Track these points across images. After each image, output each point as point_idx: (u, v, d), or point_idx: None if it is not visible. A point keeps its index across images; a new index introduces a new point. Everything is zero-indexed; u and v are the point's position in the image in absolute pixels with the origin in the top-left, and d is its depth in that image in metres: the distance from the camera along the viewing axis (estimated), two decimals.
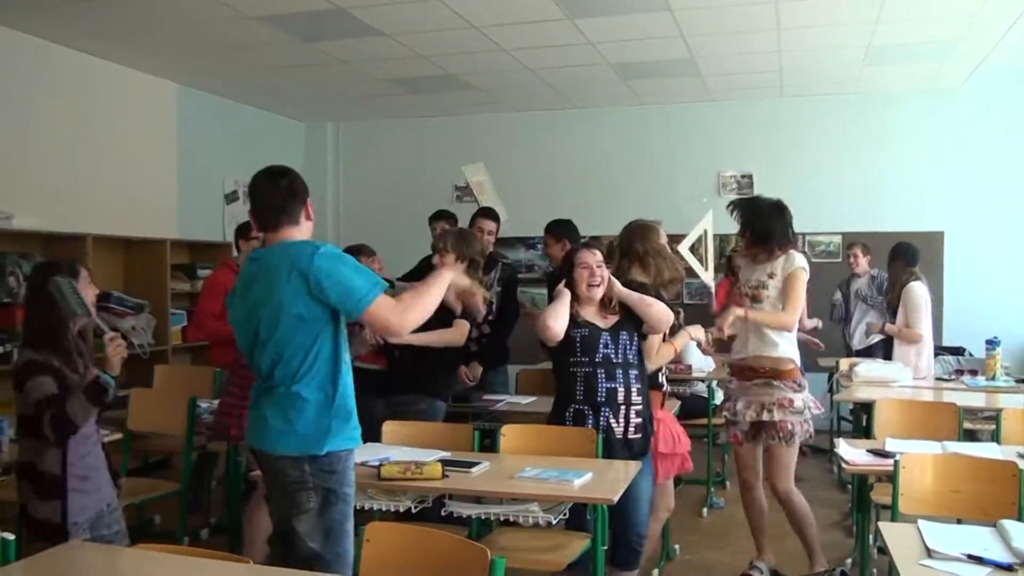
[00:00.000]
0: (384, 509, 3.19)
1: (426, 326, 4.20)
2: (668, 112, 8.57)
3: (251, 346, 2.78)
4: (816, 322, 6.73)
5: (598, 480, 3.13)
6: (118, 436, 4.37)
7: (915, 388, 5.32)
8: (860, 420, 5.21)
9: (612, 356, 3.58)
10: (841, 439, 3.94)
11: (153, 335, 6.69)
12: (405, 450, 3.49)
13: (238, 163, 8.31)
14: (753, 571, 4.29)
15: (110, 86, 6.90)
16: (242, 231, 5.67)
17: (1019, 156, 7.81)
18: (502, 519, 3.12)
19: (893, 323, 6.04)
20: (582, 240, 5.10)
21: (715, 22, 5.99)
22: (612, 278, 3.65)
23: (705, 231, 4.45)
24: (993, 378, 5.53)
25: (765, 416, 4.05)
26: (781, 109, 8.29)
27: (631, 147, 8.67)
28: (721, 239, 8.12)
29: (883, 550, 2.91)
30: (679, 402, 5.04)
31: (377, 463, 3.16)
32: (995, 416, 4.35)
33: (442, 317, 4.22)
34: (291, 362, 2.68)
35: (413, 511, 3.20)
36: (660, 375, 4.05)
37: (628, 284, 3.72)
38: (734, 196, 8.17)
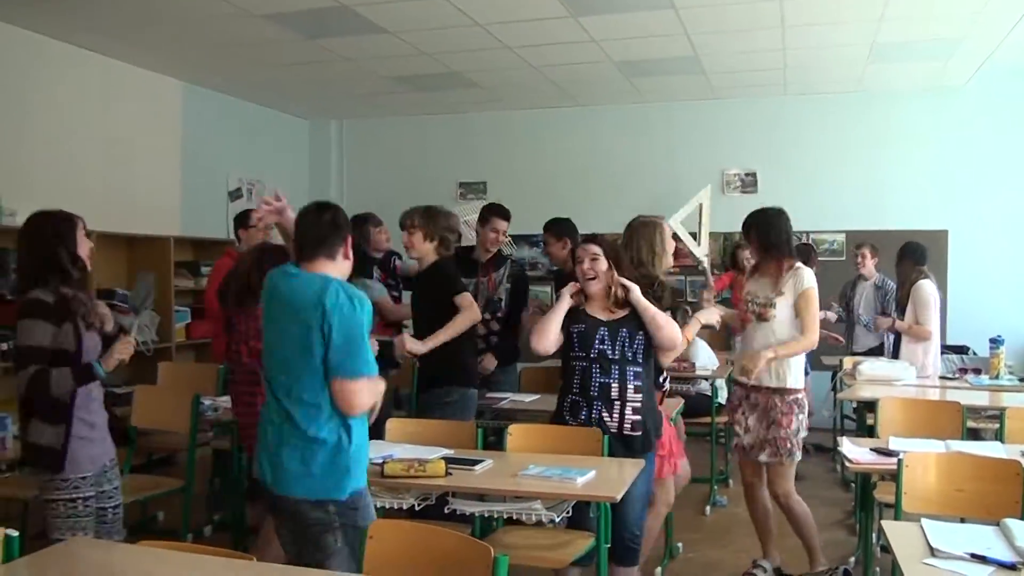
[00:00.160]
0: (387, 507, 3.19)
1: (433, 322, 4.25)
2: (672, 110, 8.57)
3: (266, 363, 2.80)
4: (828, 314, 6.68)
5: (601, 478, 3.13)
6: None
7: (919, 387, 5.31)
8: (863, 419, 5.19)
9: (608, 352, 3.58)
10: (844, 438, 3.93)
11: (157, 332, 6.69)
12: (408, 448, 3.49)
13: (242, 161, 8.33)
14: (756, 570, 4.29)
15: (115, 83, 6.91)
16: (241, 220, 5.68)
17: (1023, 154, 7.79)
18: (505, 517, 3.13)
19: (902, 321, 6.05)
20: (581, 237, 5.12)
21: (719, 20, 5.98)
22: (631, 284, 3.60)
23: (700, 204, 4.46)
24: (997, 377, 5.53)
25: (769, 433, 4.08)
26: (785, 107, 8.28)
27: (634, 145, 8.67)
28: (724, 236, 8.14)
29: (886, 549, 2.90)
30: (683, 400, 5.04)
31: (380, 460, 3.16)
32: (999, 415, 4.35)
33: (445, 314, 4.25)
34: (303, 396, 2.68)
35: (416, 509, 3.20)
36: (660, 377, 4.03)
37: (636, 280, 3.72)
38: (738, 194, 8.28)
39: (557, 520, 3.06)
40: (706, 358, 5.94)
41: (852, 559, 4.48)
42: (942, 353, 6.31)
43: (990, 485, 3.06)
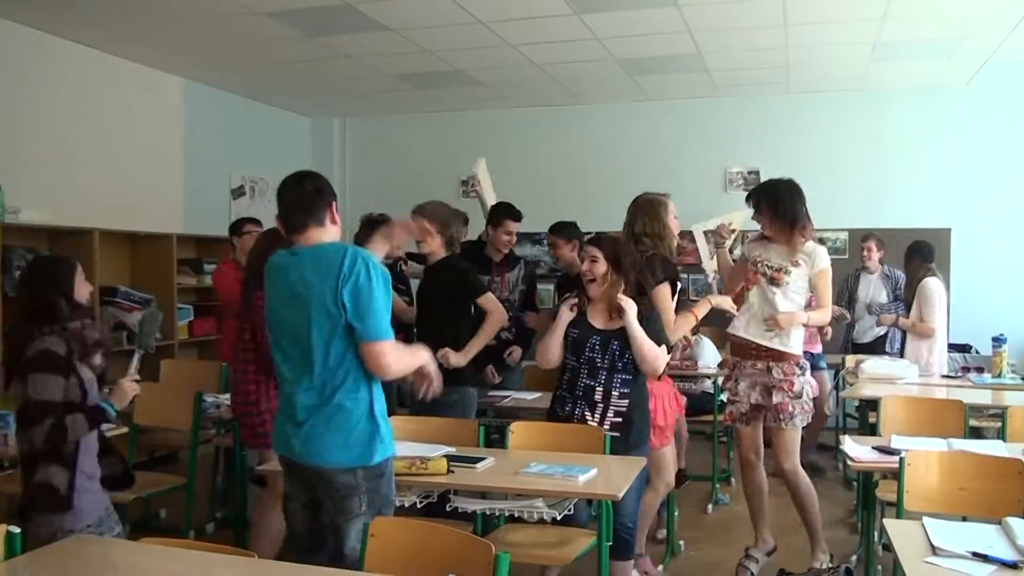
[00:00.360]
0: None
1: (442, 318, 4.25)
2: (674, 108, 8.56)
3: (283, 346, 2.79)
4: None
5: (603, 476, 3.13)
6: (124, 430, 4.39)
7: (921, 385, 5.31)
8: (866, 417, 5.19)
9: (597, 360, 3.64)
10: (847, 436, 3.93)
11: (160, 329, 6.70)
12: (410, 445, 3.49)
13: (244, 158, 8.34)
14: (748, 562, 4.28)
15: (118, 81, 6.92)
16: (234, 228, 5.72)
17: None
18: (507, 515, 3.13)
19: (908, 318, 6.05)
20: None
21: (722, 18, 5.98)
22: (627, 306, 3.57)
23: (731, 223, 4.46)
24: (999, 375, 5.52)
25: (765, 399, 4.11)
26: (788, 105, 8.27)
27: (637, 143, 8.66)
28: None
29: (888, 547, 2.90)
30: (686, 398, 5.03)
31: None
32: (1001, 413, 4.34)
33: (458, 311, 4.26)
34: (327, 364, 2.69)
35: (418, 506, 3.20)
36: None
37: (641, 257, 3.78)
38: (740, 192, 8.21)
39: (559, 518, 3.06)
40: (710, 356, 5.94)
41: (854, 557, 4.48)
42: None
43: (992, 484, 3.06)
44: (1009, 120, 7.77)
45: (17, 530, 2.32)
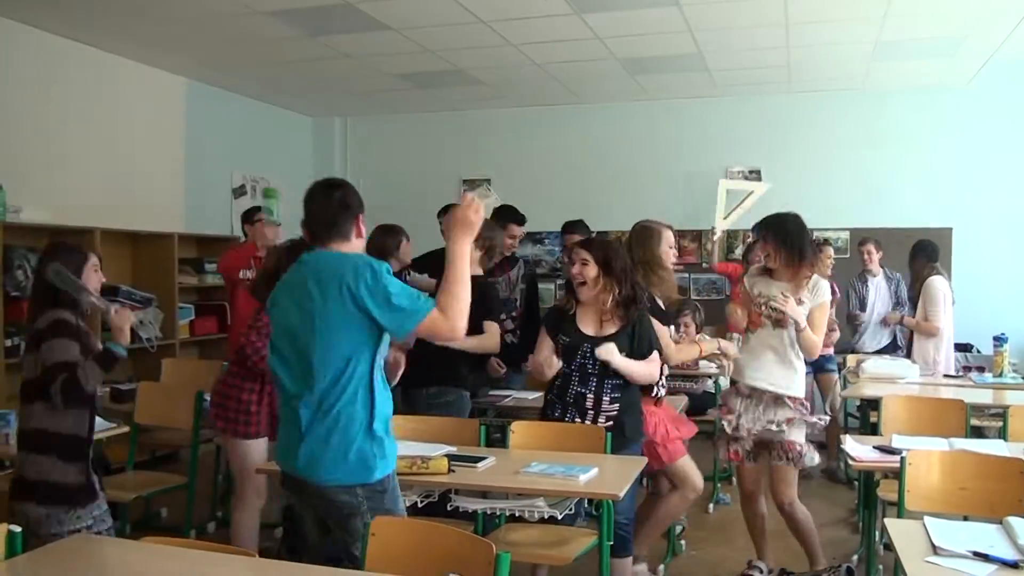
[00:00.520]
0: None
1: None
2: (676, 107, 8.54)
3: (285, 354, 2.72)
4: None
5: (604, 475, 3.14)
6: (124, 430, 4.39)
7: (922, 385, 5.31)
8: (867, 416, 5.19)
9: (588, 366, 3.64)
10: (848, 435, 3.93)
11: (161, 329, 6.72)
12: (411, 444, 3.49)
13: (246, 158, 8.34)
14: (753, 571, 4.27)
15: (119, 81, 6.92)
16: (247, 216, 5.73)
17: None
18: (508, 514, 3.13)
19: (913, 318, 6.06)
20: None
21: (723, 17, 5.97)
22: (608, 351, 3.55)
23: (751, 192, 4.47)
24: (1001, 375, 5.52)
25: (774, 433, 3.93)
26: (789, 104, 8.25)
27: (639, 142, 8.65)
28: (728, 234, 8.12)
29: (889, 547, 2.90)
30: (686, 398, 5.04)
31: None
32: (1002, 413, 4.34)
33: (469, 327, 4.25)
34: (327, 378, 2.61)
35: (419, 506, 3.20)
36: (658, 386, 3.95)
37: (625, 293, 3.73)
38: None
39: (560, 517, 3.06)
40: None
41: (855, 557, 4.48)
42: None
43: (993, 483, 3.06)
44: (1010, 120, 7.76)
45: (18, 529, 2.32)
